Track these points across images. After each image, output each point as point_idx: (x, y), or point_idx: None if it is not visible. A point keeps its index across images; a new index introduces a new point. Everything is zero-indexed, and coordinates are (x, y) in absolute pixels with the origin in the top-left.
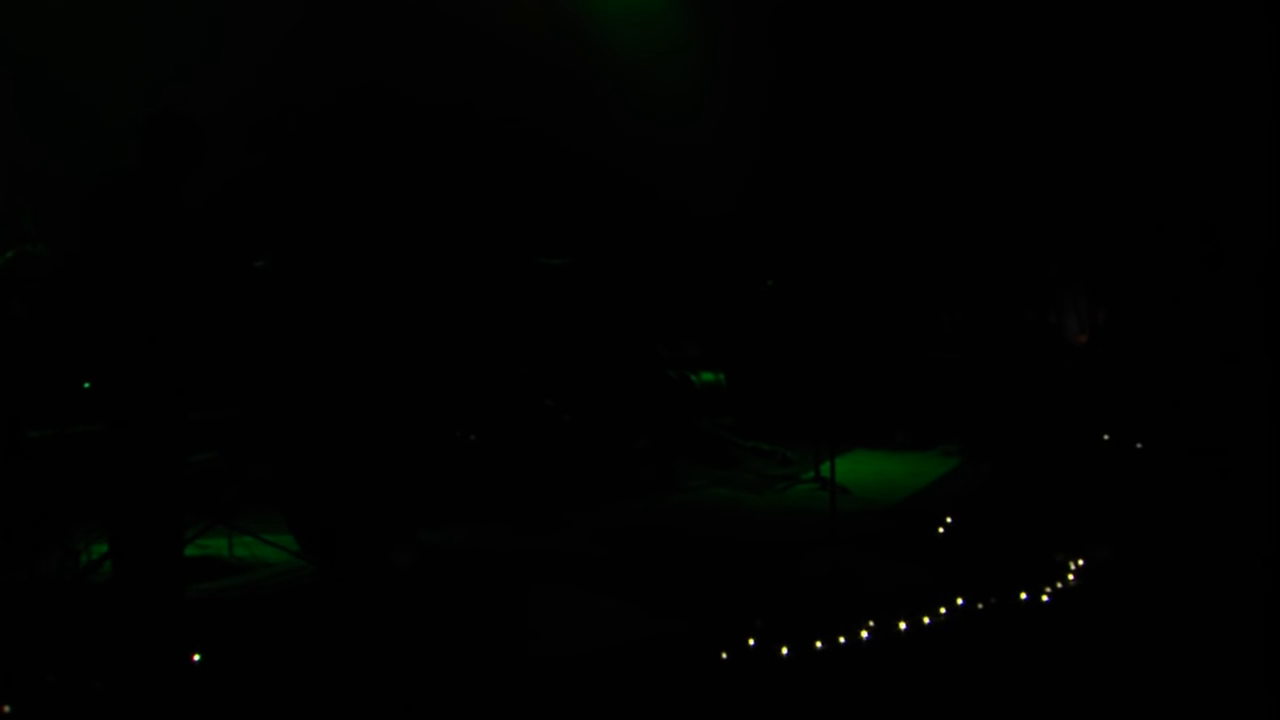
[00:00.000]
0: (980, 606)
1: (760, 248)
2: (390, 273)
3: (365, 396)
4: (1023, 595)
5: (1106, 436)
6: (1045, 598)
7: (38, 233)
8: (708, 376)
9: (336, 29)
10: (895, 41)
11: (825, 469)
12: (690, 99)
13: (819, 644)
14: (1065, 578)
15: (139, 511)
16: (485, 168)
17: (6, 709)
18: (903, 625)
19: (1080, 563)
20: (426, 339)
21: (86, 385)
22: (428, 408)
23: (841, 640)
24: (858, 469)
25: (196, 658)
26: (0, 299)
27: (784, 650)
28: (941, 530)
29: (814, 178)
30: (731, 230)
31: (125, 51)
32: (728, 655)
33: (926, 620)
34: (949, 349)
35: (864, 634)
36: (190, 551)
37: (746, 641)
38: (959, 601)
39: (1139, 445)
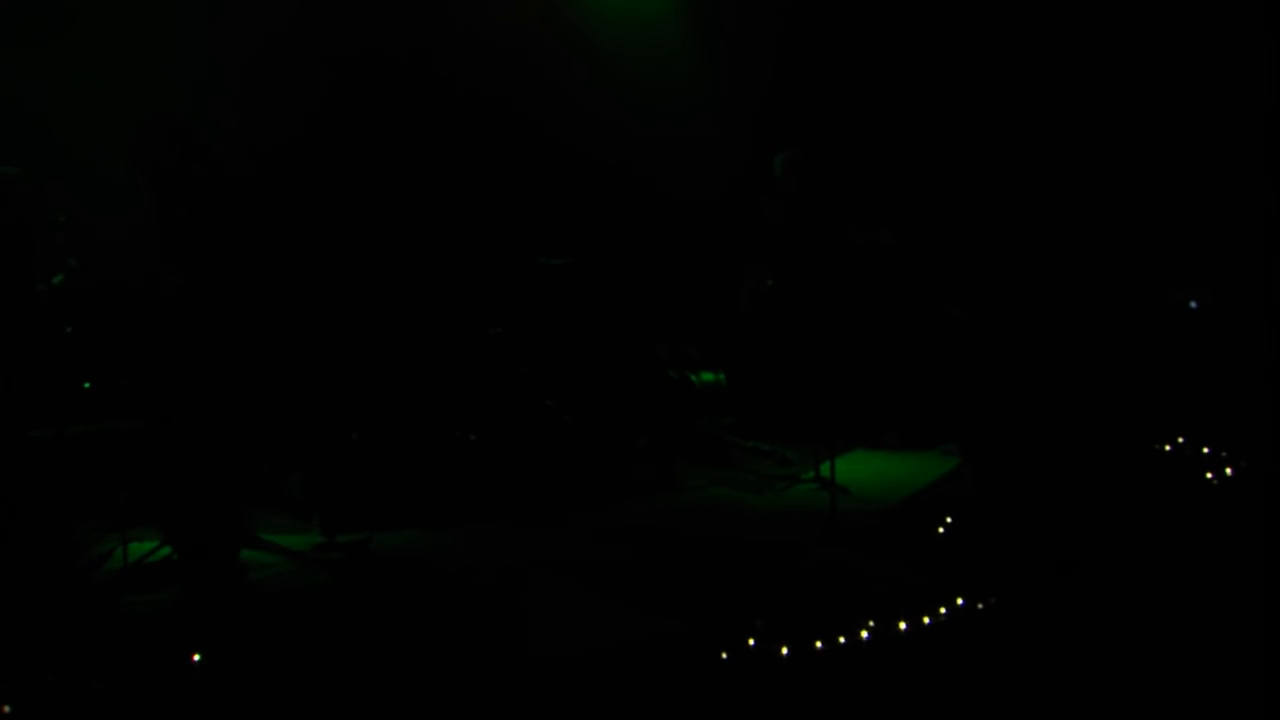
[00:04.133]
0: (980, 607)
1: (761, 247)
2: (388, 272)
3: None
4: (1022, 595)
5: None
6: (1044, 598)
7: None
8: (708, 376)
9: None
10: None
11: (825, 469)
12: (690, 97)
13: (819, 644)
14: (1064, 577)
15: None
16: (485, 167)
17: (6, 709)
18: (902, 625)
19: (1080, 563)
20: (426, 339)
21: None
22: (427, 407)
23: (841, 640)
24: (857, 469)
25: (196, 658)
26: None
27: (784, 650)
28: (941, 530)
29: (814, 176)
30: (732, 230)
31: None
32: (728, 655)
33: (926, 620)
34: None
35: (864, 634)
36: None
37: (746, 641)
38: (959, 602)
39: (1138, 445)
